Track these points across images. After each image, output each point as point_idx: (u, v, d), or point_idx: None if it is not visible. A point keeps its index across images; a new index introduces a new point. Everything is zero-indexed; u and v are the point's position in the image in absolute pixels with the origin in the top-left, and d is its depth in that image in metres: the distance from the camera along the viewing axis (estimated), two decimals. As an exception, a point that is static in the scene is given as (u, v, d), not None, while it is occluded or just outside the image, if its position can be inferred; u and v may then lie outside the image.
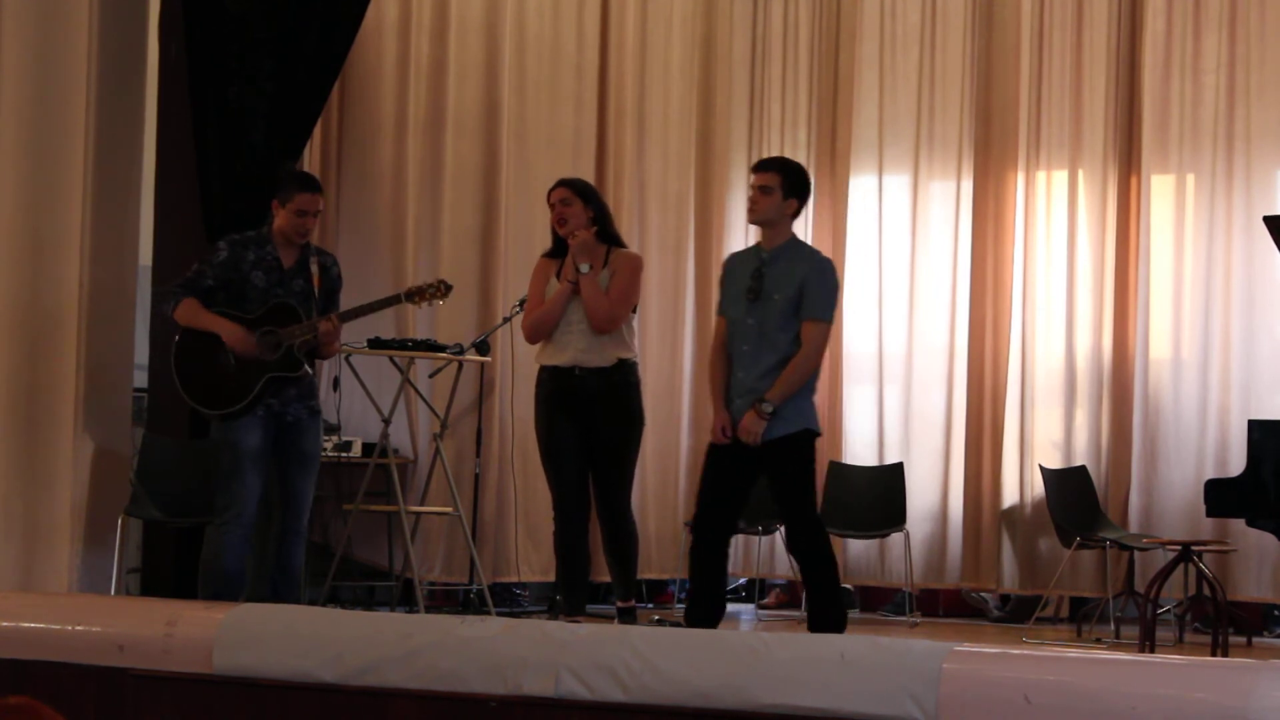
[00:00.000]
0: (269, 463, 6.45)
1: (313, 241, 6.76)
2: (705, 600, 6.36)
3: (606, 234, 6.87)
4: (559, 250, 6.92)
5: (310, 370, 6.54)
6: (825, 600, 6.31)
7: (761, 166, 6.54)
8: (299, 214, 6.48)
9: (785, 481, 6.29)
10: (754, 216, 6.49)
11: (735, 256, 6.74)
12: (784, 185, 6.38)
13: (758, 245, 6.57)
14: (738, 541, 9.91)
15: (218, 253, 6.53)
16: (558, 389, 6.78)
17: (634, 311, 6.89)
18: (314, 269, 6.54)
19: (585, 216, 6.82)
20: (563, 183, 6.99)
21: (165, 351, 6.78)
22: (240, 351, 6.37)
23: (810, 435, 6.33)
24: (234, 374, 6.38)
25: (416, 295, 6.68)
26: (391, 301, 6.81)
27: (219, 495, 6.42)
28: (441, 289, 6.68)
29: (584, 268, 6.73)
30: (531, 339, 6.96)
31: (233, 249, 6.51)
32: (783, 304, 6.27)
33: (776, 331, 6.27)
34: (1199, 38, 9.20)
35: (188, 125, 7.37)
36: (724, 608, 6.52)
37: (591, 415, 6.73)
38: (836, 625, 6.22)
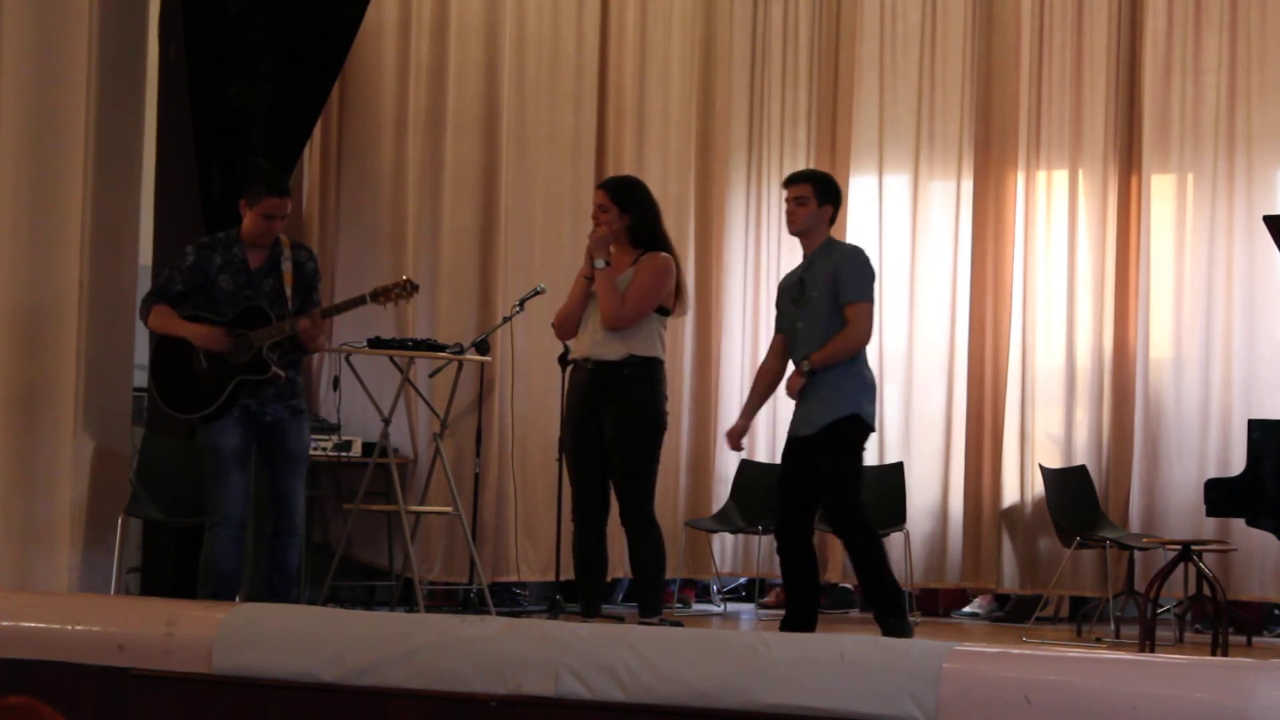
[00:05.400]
0: (253, 462, 6.45)
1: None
2: (799, 600, 6.60)
3: (640, 236, 6.81)
4: None
5: (281, 373, 6.43)
6: (874, 587, 6.53)
7: (794, 180, 6.82)
8: (266, 218, 6.43)
9: (831, 466, 6.52)
10: (794, 227, 6.74)
11: (785, 277, 7.03)
12: (817, 194, 6.67)
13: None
14: (737, 541, 9.94)
15: (184, 258, 6.50)
16: (578, 384, 6.82)
17: (665, 314, 6.83)
18: (286, 266, 6.49)
19: (621, 222, 6.78)
20: (601, 186, 7.04)
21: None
22: (214, 349, 6.35)
23: (858, 422, 6.54)
24: (206, 378, 6.37)
25: (382, 295, 6.56)
26: (358, 302, 6.57)
27: (206, 498, 6.44)
28: (408, 288, 6.57)
29: (599, 263, 6.72)
30: (558, 334, 7.07)
31: (199, 254, 6.49)
32: (820, 299, 6.58)
33: (823, 329, 6.58)
34: (1199, 37, 9.21)
35: (188, 125, 7.36)
36: (818, 605, 6.77)
37: (607, 412, 6.71)
38: (890, 610, 6.44)
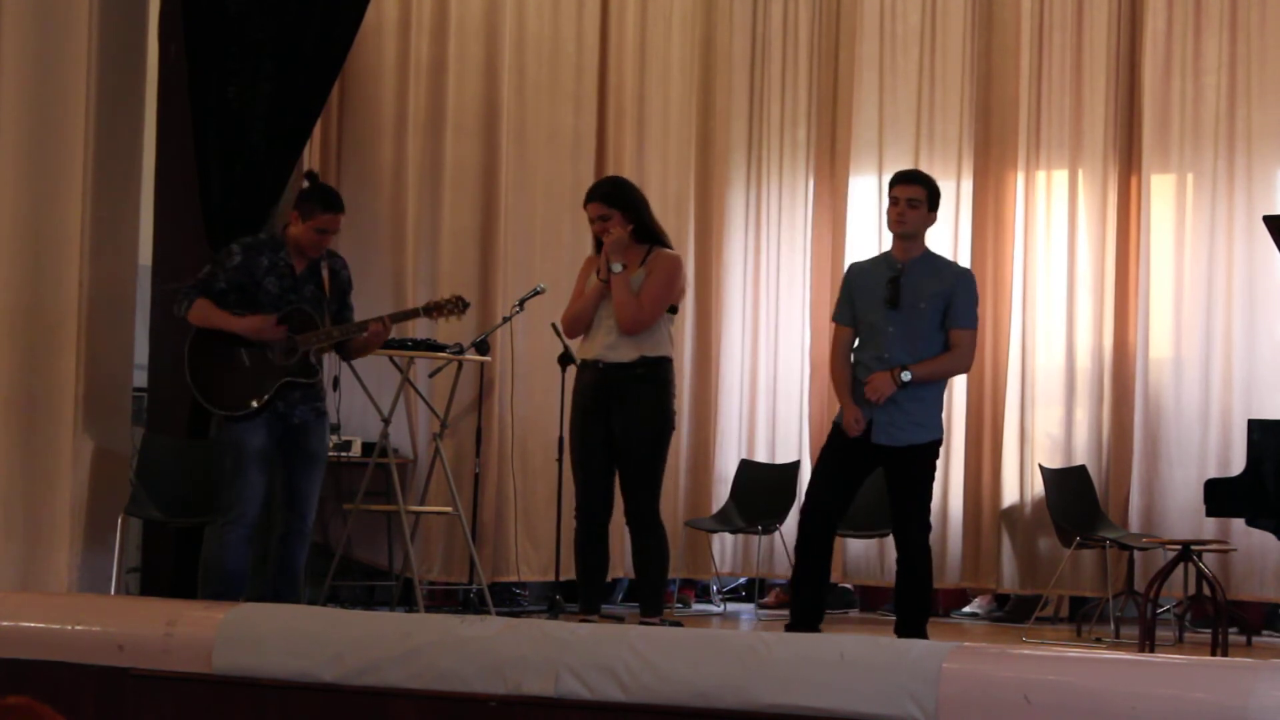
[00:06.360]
0: (273, 463, 6.46)
1: None
2: (811, 598, 6.57)
3: (647, 231, 6.81)
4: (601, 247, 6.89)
5: (321, 377, 6.54)
6: (917, 604, 6.55)
7: (910, 179, 6.68)
8: (319, 232, 6.50)
9: (913, 484, 6.52)
10: (903, 229, 6.57)
11: (860, 266, 6.86)
12: (928, 199, 6.57)
13: (886, 255, 6.72)
14: (737, 541, 9.93)
15: (231, 256, 6.51)
16: (586, 383, 6.79)
17: (674, 311, 6.84)
18: (324, 273, 6.56)
19: (624, 222, 6.75)
20: (595, 197, 6.86)
21: (165, 351, 6.78)
22: (268, 340, 6.37)
23: (939, 444, 6.61)
24: (249, 375, 6.38)
25: (435, 310, 6.70)
26: (412, 314, 6.82)
27: (222, 495, 6.43)
28: (459, 305, 6.71)
29: (616, 266, 6.69)
30: (569, 333, 7.05)
31: (246, 253, 6.50)
32: (929, 312, 6.49)
33: (925, 340, 6.50)
34: (1199, 37, 9.20)
35: (188, 125, 7.36)
36: (824, 605, 6.74)
37: (615, 411, 6.70)
38: (924, 624, 6.51)
